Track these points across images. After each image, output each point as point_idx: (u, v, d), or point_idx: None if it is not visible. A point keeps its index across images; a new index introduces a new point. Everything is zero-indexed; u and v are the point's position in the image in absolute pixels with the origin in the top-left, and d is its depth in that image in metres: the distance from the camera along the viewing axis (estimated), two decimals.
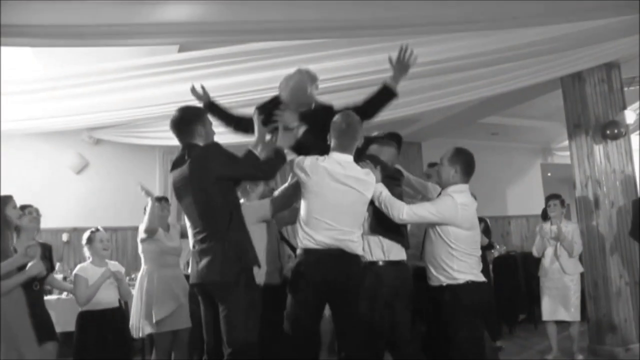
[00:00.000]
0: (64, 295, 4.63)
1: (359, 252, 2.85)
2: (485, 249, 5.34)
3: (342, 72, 4.00)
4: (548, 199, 5.08)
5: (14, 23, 2.33)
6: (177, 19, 2.63)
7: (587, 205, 5.12)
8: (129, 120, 5.32)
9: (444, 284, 3.03)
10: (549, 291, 4.85)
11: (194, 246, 2.76)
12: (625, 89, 5.46)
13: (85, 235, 3.93)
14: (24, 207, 3.85)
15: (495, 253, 6.72)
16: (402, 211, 2.95)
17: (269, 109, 3.12)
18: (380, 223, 3.04)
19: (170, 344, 3.99)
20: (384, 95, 3.09)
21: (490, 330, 5.23)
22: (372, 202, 2.99)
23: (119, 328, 3.89)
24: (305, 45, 3.71)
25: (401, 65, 3.01)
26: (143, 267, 4.03)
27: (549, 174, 10.15)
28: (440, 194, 3.24)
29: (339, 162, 2.84)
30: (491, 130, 8.24)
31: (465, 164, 3.15)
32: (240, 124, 3.28)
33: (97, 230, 3.95)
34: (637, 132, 6.99)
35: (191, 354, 4.12)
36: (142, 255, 4.04)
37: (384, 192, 2.99)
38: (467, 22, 3.35)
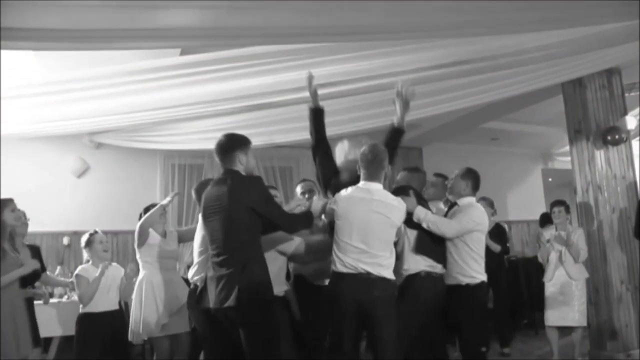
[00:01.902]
0: (65, 298, 4.63)
1: (388, 275, 2.97)
2: (502, 254, 5.42)
3: (344, 77, 4.01)
4: (553, 205, 5.07)
5: (15, 26, 2.33)
6: (178, 24, 2.64)
7: (588, 210, 5.12)
8: (130, 125, 5.32)
9: (463, 283, 3.42)
10: (553, 296, 4.84)
11: (211, 269, 2.90)
12: (626, 94, 5.47)
13: (84, 238, 3.94)
14: None
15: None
16: (452, 227, 3.37)
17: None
18: (424, 246, 3.35)
19: (170, 348, 3.98)
20: (395, 134, 3.42)
21: (500, 337, 5.32)
22: (418, 226, 3.30)
23: (119, 330, 3.89)
24: (308, 49, 3.73)
25: (402, 101, 3.36)
26: (142, 272, 4.03)
27: (550, 179, 10.15)
28: (455, 204, 3.67)
29: (367, 189, 3.04)
30: (492, 136, 8.24)
31: (475, 180, 3.67)
32: (319, 147, 3.52)
33: (96, 232, 3.97)
34: (638, 137, 7.00)
35: (192, 358, 4.12)
36: (140, 261, 4.04)
37: (428, 214, 3.30)
38: (468, 28, 3.36)
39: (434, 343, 3.64)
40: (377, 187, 3.06)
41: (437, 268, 3.38)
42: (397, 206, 3.07)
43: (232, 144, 2.97)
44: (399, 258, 3.29)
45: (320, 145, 3.51)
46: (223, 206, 2.82)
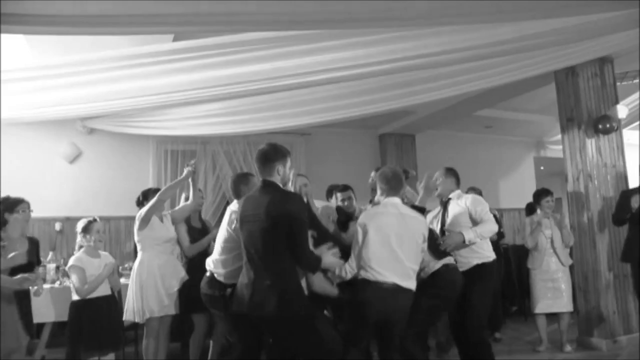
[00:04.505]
0: (57, 284, 4.63)
1: (412, 286, 3.22)
2: (498, 239, 5.49)
3: (338, 64, 4.00)
4: (545, 194, 5.09)
5: (13, 12, 2.34)
6: (172, 10, 2.63)
7: (578, 199, 5.17)
8: (123, 110, 5.29)
9: (479, 263, 3.75)
10: (543, 283, 4.90)
11: (245, 274, 3.04)
12: (618, 83, 5.49)
13: (82, 223, 3.92)
14: (18, 202, 3.85)
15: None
16: (493, 225, 3.76)
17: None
18: (439, 251, 3.64)
19: (157, 328, 4.03)
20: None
21: (492, 321, 5.45)
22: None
23: (112, 316, 3.91)
24: (303, 35, 3.71)
25: (427, 189, 3.71)
26: (140, 254, 4.06)
27: (542, 168, 10.20)
28: (448, 199, 3.95)
29: (393, 205, 3.29)
30: (485, 123, 8.27)
31: (457, 176, 4.04)
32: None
33: (95, 220, 3.95)
34: (636, 124, 7.05)
35: (174, 339, 4.28)
36: (139, 244, 4.07)
37: (473, 232, 3.66)
38: (463, 16, 3.35)
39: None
40: (398, 201, 3.33)
41: (451, 260, 3.66)
42: (421, 218, 3.36)
43: (274, 156, 3.05)
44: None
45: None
46: (262, 218, 2.90)
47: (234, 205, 3.55)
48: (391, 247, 3.15)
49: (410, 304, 3.20)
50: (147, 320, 3.96)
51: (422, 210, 3.57)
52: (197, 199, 4.36)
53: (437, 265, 3.55)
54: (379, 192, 3.43)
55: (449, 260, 3.61)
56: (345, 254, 3.28)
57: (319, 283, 3.22)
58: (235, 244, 3.37)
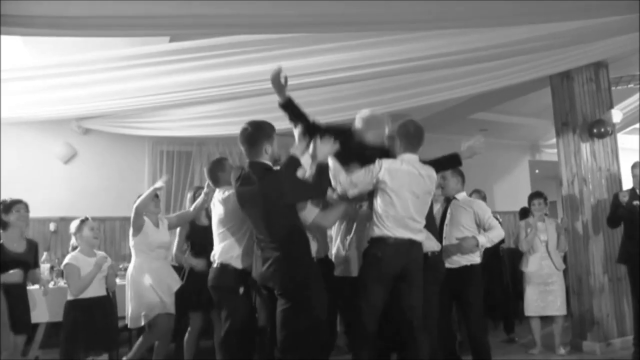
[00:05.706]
0: (51, 284, 4.61)
1: (422, 239, 3.28)
2: (498, 243, 5.51)
3: (334, 66, 4.01)
4: (533, 197, 5.14)
5: (12, 13, 2.35)
6: (168, 12, 2.63)
7: (573, 202, 5.19)
8: (118, 111, 5.29)
9: (469, 264, 3.95)
10: (538, 287, 4.90)
11: (257, 248, 3.02)
12: (613, 88, 5.52)
13: (74, 224, 3.91)
14: (14, 203, 3.87)
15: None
16: (501, 230, 3.93)
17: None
18: (432, 227, 3.65)
19: (167, 327, 4.04)
20: (452, 161, 3.57)
21: (505, 324, 5.53)
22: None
23: (107, 316, 3.90)
24: (301, 38, 3.73)
25: (472, 150, 3.61)
26: (134, 259, 4.05)
27: (537, 171, 10.23)
28: (453, 199, 4.07)
29: (411, 162, 3.25)
30: (480, 127, 8.27)
31: (462, 175, 4.14)
32: (309, 127, 3.32)
33: (87, 219, 3.95)
34: (631, 128, 7.08)
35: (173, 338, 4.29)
36: (133, 249, 4.06)
37: (485, 237, 3.82)
38: (462, 19, 3.37)
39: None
40: (416, 158, 3.29)
41: (438, 247, 3.67)
42: (434, 177, 3.34)
43: (259, 135, 2.94)
44: None
45: (313, 130, 3.32)
46: (258, 204, 2.90)
47: (218, 194, 3.54)
48: (408, 207, 3.15)
49: (422, 258, 3.27)
50: (154, 320, 3.95)
51: (459, 163, 3.60)
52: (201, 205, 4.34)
53: (433, 247, 3.57)
54: (397, 144, 3.35)
55: (437, 247, 3.64)
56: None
57: (315, 218, 3.19)
58: (233, 228, 3.36)
